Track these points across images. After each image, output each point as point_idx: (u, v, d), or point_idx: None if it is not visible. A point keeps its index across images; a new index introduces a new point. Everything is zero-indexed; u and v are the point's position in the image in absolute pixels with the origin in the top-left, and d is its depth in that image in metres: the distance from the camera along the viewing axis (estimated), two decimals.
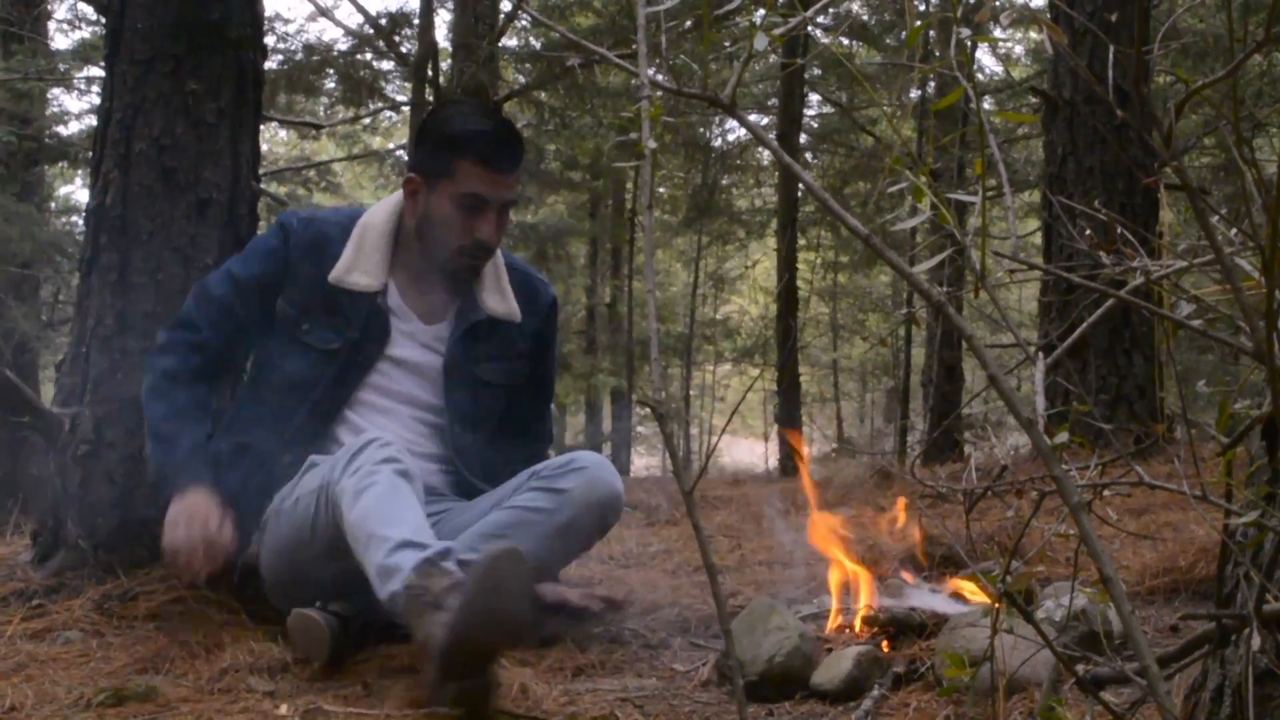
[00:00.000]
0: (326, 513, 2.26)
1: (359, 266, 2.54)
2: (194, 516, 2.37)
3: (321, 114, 12.05)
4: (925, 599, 2.40)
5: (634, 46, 1.40)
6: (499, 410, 2.71)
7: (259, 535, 2.50)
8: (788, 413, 8.76)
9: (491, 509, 2.48)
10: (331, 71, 10.51)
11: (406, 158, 10.05)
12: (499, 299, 2.65)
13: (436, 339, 2.62)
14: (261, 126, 3.17)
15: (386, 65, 11.13)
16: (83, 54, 9.41)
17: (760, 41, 1.27)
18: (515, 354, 2.70)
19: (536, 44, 11.58)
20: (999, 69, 12.44)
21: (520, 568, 1.92)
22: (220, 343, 2.56)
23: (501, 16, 10.52)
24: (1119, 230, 1.51)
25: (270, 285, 2.55)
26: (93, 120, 9.55)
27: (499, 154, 2.51)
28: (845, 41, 11.67)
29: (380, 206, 2.64)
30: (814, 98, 12.62)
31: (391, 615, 2.04)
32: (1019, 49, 12.40)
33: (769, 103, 12.24)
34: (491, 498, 2.54)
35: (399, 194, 2.63)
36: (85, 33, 10.28)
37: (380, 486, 2.15)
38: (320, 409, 2.54)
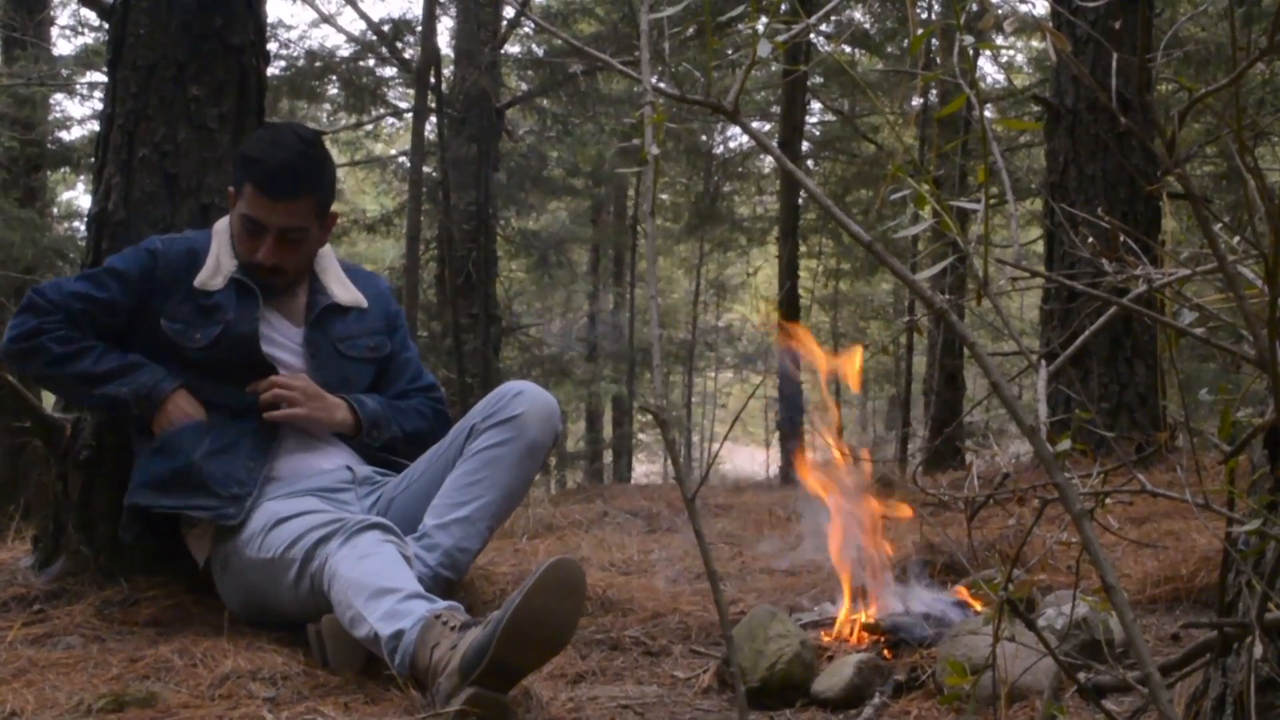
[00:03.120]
0: (308, 581, 2.32)
1: (220, 271, 2.63)
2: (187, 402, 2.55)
3: (324, 120, 12.09)
4: (927, 604, 2.39)
5: (637, 53, 1.40)
6: (368, 382, 2.78)
7: (218, 567, 2.54)
8: (789, 420, 8.75)
9: (440, 468, 2.58)
10: (334, 78, 10.54)
11: (408, 165, 10.05)
12: (343, 289, 2.76)
13: (292, 340, 2.69)
14: None
15: (389, 72, 11.18)
16: (85, 59, 9.43)
17: (763, 49, 1.27)
18: (373, 331, 2.79)
19: (539, 50, 11.60)
20: (1001, 77, 12.45)
21: (576, 577, 1.95)
22: (74, 315, 2.56)
23: (504, 23, 10.55)
24: (1121, 238, 1.51)
25: (136, 283, 2.58)
26: (95, 126, 9.56)
27: (273, 182, 2.57)
28: (847, 49, 11.68)
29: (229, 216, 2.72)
30: (816, 105, 12.64)
31: (388, 653, 2.05)
32: (1021, 57, 12.42)
33: (771, 110, 12.25)
34: (429, 461, 2.63)
35: None
36: (88, 38, 10.31)
37: (385, 557, 2.22)
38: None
